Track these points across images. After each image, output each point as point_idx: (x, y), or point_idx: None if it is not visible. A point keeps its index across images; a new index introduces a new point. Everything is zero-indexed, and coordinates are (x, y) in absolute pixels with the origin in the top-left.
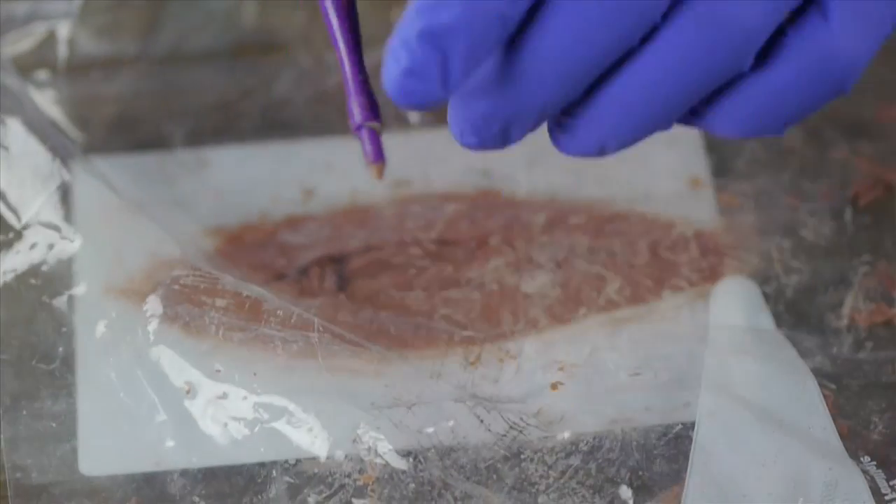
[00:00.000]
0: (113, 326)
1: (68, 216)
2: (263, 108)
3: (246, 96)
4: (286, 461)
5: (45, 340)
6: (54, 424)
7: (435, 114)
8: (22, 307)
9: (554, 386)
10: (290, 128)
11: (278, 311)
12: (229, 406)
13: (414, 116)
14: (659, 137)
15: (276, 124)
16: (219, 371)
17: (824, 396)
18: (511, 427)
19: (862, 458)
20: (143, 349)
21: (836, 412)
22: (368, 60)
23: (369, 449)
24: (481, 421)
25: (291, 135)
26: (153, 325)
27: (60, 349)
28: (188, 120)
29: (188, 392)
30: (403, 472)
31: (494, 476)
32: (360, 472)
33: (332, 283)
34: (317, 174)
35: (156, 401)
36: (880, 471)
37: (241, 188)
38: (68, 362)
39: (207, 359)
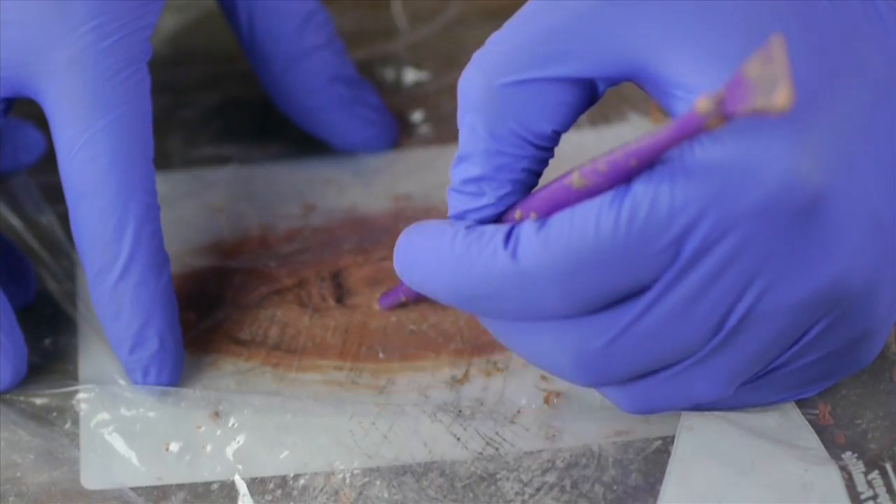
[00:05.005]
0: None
1: None
2: (262, 121)
3: (244, 109)
4: (264, 486)
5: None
6: (56, 436)
7: (439, 132)
8: None
9: (547, 399)
10: (291, 142)
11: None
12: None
13: (423, 128)
14: None
15: (275, 138)
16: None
17: (821, 407)
18: (487, 444)
19: (843, 455)
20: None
21: (833, 422)
22: (366, 55)
23: (344, 478)
24: (458, 439)
25: (292, 150)
26: None
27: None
28: (186, 135)
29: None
30: (379, 497)
31: (471, 495)
32: (336, 500)
33: (331, 294)
34: (317, 189)
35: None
36: (860, 462)
37: (241, 205)
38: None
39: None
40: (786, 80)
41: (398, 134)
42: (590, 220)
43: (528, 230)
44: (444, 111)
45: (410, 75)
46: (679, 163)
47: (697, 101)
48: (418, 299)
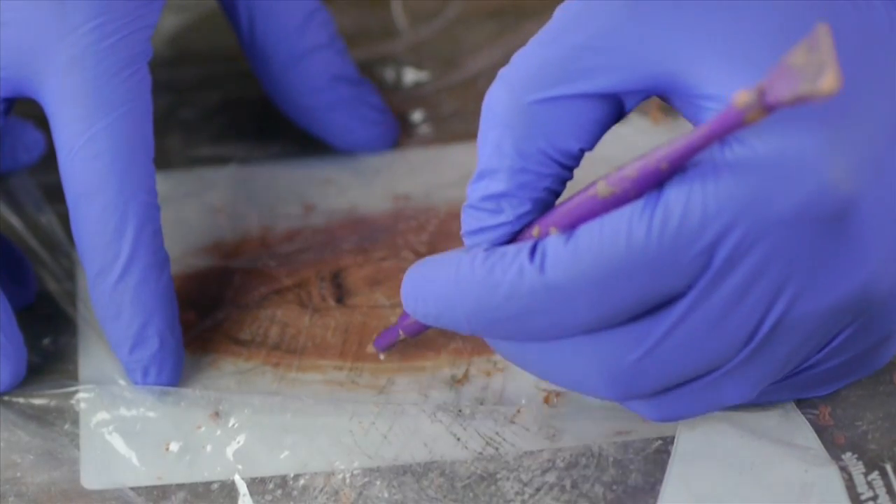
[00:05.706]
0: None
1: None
2: (262, 121)
3: (244, 109)
4: (264, 486)
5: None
6: (56, 436)
7: (439, 132)
8: None
9: (547, 399)
10: (291, 142)
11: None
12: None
13: (423, 128)
14: None
15: (275, 138)
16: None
17: (821, 408)
18: (487, 444)
19: (843, 456)
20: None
21: (833, 423)
22: (366, 55)
23: (344, 478)
24: (458, 439)
25: (292, 150)
26: None
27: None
28: (186, 135)
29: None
30: (379, 497)
31: (471, 494)
32: (336, 501)
33: (331, 294)
34: (317, 189)
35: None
36: (860, 463)
37: (241, 205)
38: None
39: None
40: (833, 65)
41: (399, 134)
42: (621, 228)
43: (554, 243)
44: (444, 111)
45: (410, 75)
46: (710, 167)
47: (736, 94)
48: (417, 335)
